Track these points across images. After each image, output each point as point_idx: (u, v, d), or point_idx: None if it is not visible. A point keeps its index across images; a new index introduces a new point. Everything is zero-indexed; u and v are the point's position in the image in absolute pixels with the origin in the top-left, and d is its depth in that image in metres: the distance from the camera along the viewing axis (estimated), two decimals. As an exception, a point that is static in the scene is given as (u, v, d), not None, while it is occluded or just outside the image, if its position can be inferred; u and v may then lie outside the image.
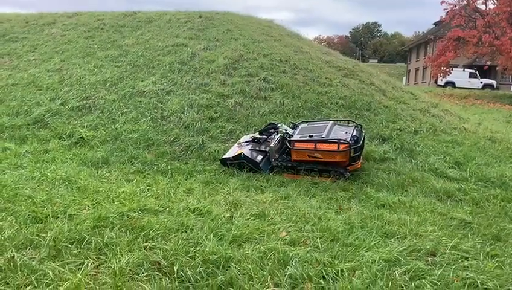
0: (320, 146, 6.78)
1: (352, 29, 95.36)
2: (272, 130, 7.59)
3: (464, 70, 36.87)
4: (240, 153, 7.08)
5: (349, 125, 7.74)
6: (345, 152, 6.68)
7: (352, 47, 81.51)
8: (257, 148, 7.29)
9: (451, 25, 29.00)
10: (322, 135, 6.93)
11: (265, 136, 7.47)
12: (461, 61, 33.08)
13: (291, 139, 7.15)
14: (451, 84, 34.45)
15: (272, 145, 7.22)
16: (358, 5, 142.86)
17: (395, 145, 8.28)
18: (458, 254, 3.99)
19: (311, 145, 6.83)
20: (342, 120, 8.41)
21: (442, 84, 34.43)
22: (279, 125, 7.75)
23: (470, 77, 37.31)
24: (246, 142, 7.52)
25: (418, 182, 6.79)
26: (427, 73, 42.81)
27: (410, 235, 4.44)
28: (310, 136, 6.96)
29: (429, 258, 3.87)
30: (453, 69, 32.12)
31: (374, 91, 10.99)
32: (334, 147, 6.70)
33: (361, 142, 7.04)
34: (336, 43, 77.02)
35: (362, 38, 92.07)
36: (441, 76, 31.36)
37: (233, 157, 7.12)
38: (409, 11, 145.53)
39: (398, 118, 9.63)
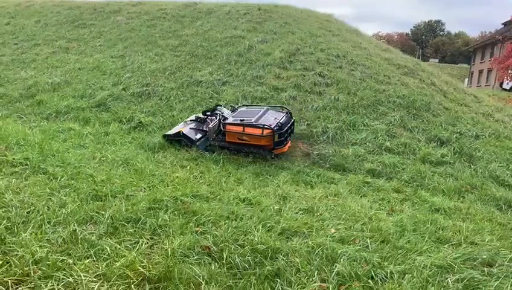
0: (248, 130, 7.27)
1: (414, 26, 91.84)
2: (216, 111, 8.01)
3: (533, 74, 34.47)
4: (180, 131, 7.54)
5: (283, 111, 8.06)
6: (268, 137, 7.19)
7: (412, 45, 78.47)
8: (199, 128, 7.76)
9: (523, 25, 27.27)
10: (251, 119, 7.37)
11: (206, 117, 7.87)
12: (531, 64, 30.93)
13: (225, 122, 7.54)
14: (519, 88, 32.39)
15: (210, 126, 7.62)
16: (421, 2, 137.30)
17: (453, 149, 7.95)
18: (518, 267, 3.78)
19: (240, 129, 7.30)
20: (276, 106, 8.65)
21: (508, 88, 32.47)
22: (219, 107, 8.19)
23: (540, 82, 34.84)
24: (191, 120, 7.97)
25: (477, 189, 6.51)
26: (491, 76, 40.49)
27: (466, 243, 4.26)
28: (241, 120, 7.40)
29: (485, 269, 3.69)
30: (522, 72, 30.21)
31: (435, 92, 10.58)
32: (259, 131, 7.22)
33: (286, 128, 7.29)
34: (395, 40, 74.53)
35: (423, 37, 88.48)
36: (507, 79, 29.67)
37: (173, 134, 7.61)
38: (476, 10, 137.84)
39: (458, 120, 9.22)
